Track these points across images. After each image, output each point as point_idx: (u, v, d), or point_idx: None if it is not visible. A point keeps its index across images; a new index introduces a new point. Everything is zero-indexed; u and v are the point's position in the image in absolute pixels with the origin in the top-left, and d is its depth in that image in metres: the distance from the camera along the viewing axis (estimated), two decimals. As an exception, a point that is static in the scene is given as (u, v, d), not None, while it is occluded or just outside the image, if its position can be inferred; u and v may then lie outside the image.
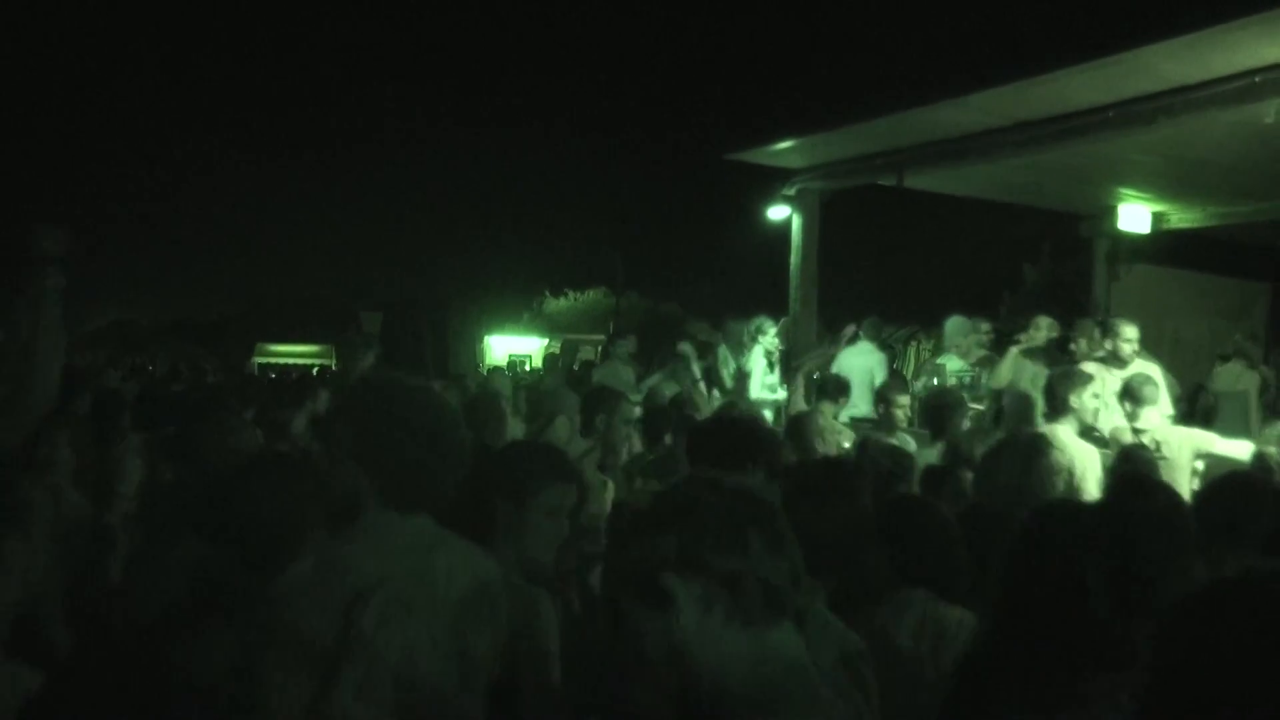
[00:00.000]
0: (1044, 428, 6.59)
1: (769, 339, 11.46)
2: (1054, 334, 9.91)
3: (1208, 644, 1.65)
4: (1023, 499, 4.96)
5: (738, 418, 6.61)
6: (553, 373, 14.95)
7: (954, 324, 11.27)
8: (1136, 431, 7.02)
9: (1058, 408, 6.93)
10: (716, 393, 11.55)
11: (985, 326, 11.62)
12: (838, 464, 3.53)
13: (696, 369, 11.86)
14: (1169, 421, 7.86)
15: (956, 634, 3.44)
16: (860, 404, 11.44)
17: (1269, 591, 1.66)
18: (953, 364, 10.88)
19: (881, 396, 8.54)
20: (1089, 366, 8.12)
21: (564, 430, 6.30)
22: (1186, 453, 6.81)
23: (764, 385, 11.32)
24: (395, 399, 3.03)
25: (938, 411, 7.55)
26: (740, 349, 11.90)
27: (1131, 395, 7.17)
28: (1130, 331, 8.24)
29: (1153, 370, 8.03)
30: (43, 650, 2.55)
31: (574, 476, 3.61)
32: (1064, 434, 6.24)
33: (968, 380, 10.47)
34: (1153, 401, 7.15)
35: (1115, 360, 8.19)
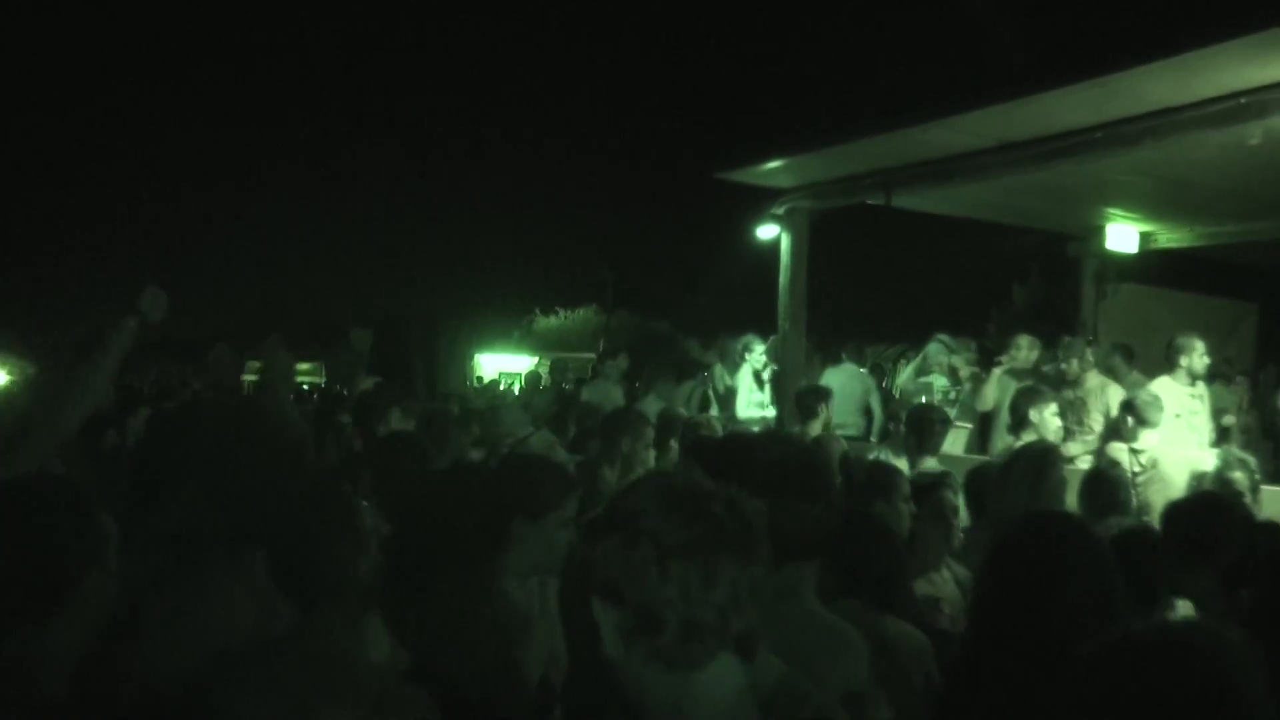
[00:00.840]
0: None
1: (756, 357, 11.51)
2: (1034, 353, 9.97)
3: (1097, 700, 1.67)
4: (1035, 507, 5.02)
5: (737, 434, 6.65)
6: (535, 391, 14.96)
7: (935, 348, 11.41)
8: (1134, 451, 7.05)
9: (1019, 423, 7.03)
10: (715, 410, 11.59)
11: (973, 345, 11.71)
12: (807, 464, 3.51)
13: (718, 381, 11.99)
14: (1206, 444, 7.96)
15: (896, 646, 3.48)
16: (850, 423, 11.53)
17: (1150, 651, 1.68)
18: (939, 382, 10.94)
19: (893, 415, 8.63)
20: (1163, 384, 8.23)
21: (542, 442, 6.32)
22: (1183, 473, 6.82)
23: (752, 403, 11.37)
24: (231, 425, 3.03)
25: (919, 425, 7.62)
26: (735, 367, 11.98)
27: (1134, 413, 7.21)
28: (1201, 346, 8.32)
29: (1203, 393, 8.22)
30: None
31: (578, 485, 3.65)
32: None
33: (952, 397, 10.52)
34: (1154, 424, 7.17)
35: (1188, 378, 8.28)
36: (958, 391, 10.94)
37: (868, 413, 12.11)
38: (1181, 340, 8.48)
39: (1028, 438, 6.79)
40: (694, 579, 1.77)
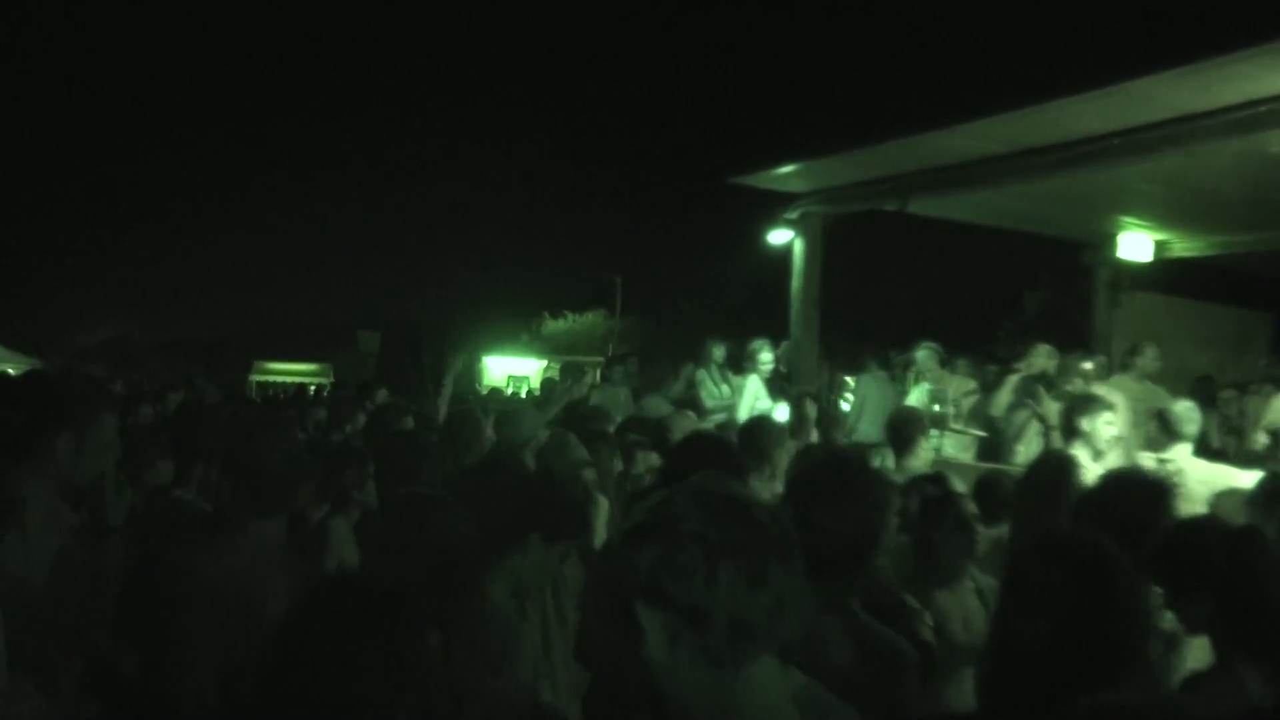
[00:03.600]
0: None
1: (765, 365, 11.37)
2: (1052, 361, 9.91)
3: None
4: (1054, 519, 4.98)
5: (711, 432, 6.64)
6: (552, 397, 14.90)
7: (924, 354, 11.27)
8: (1161, 461, 7.00)
9: (1069, 432, 6.96)
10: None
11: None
12: (847, 462, 3.47)
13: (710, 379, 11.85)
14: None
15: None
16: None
17: None
18: (954, 389, 10.86)
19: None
20: None
21: (559, 440, 6.28)
22: (1205, 489, 6.77)
23: (758, 410, 11.17)
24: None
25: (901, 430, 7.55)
26: (712, 369, 11.87)
27: (1166, 425, 7.17)
28: None
29: None
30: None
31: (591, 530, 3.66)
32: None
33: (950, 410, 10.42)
34: (1187, 437, 7.11)
35: None
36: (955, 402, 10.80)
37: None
38: None
39: (1080, 449, 6.72)
40: (742, 580, 1.78)
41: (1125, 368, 9.55)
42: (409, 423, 7.43)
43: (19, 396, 3.93)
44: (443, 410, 6.90)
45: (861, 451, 7.22)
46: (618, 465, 7.06)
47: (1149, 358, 9.60)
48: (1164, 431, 7.08)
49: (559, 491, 3.59)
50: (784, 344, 12.41)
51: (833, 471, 3.28)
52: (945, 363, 11.66)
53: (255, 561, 3.37)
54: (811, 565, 2.81)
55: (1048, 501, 5.33)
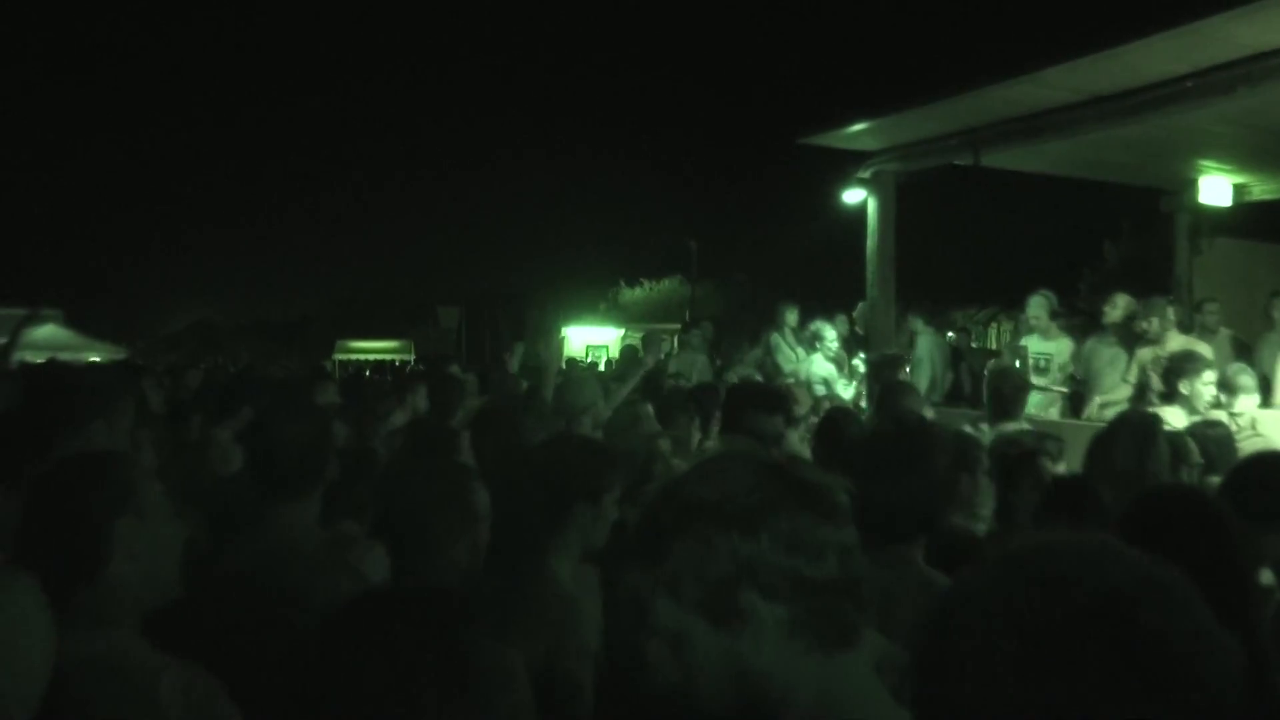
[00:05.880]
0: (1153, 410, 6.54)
1: (829, 345, 11.33)
2: (1131, 312, 9.79)
3: None
4: (1138, 479, 4.96)
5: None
6: (630, 364, 14.97)
7: (1037, 301, 11.03)
8: (1232, 415, 6.95)
9: (1169, 394, 6.90)
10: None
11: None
12: (914, 433, 3.52)
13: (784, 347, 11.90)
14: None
15: None
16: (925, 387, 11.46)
17: None
18: (1035, 345, 10.71)
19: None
20: None
21: (630, 414, 6.33)
22: None
23: (840, 387, 11.07)
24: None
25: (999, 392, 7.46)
26: (786, 333, 11.87)
27: (1226, 388, 7.12)
28: None
29: None
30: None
31: (617, 460, 3.69)
32: (1170, 418, 6.16)
33: (1043, 364, 10.30)
34: (1246, 390, 7.05)
35: None
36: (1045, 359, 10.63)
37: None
38: None
39: (1176, 410, 6.67)
40: (858, 556, 1.70)
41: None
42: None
43: (49, 390, 4.11)
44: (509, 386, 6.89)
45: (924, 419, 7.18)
46: (695, 434, 7.09)
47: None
48: (1226, 393, 7.03)
49: (578, 452, 3.61)
50: (860, 304, 12.41)
51: (894, 445, 3.34)
52: (1057, 314, 11.33)
53: (279, 554, 3.35)
54: (879, 534, 2.91)
55: (1132, 457, 5.30)
